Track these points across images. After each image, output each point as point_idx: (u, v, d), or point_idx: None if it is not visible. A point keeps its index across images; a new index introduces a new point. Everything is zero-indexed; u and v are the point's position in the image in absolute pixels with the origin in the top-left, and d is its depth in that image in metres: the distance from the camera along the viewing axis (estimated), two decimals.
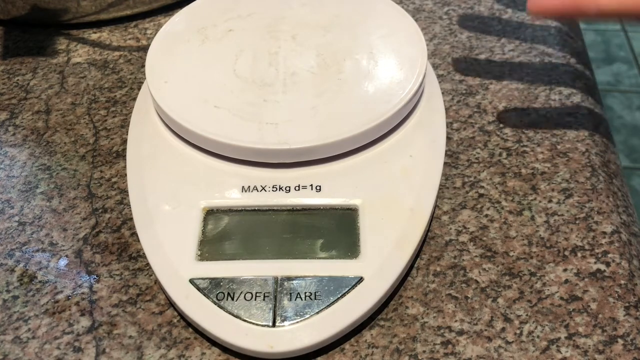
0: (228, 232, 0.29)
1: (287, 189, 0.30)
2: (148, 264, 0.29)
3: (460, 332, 0.27)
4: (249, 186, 0.30)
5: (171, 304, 0.28)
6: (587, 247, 0.30)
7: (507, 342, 0.27)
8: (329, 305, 0.26)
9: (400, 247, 0.28)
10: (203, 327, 0.26)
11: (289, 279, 0.27)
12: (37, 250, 0.31)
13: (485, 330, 0.27)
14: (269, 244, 0.28)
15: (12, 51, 0.44)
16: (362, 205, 0.29)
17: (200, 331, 0.27)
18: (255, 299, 0.27)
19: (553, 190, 0.33)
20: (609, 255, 0.30)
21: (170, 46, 0.35)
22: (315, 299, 0.27)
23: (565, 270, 0.29)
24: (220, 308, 0.26)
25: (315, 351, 0.27)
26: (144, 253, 0.29)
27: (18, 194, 0.34)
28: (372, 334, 0.27)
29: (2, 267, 0.30)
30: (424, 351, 0.27)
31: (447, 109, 0.37)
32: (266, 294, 0.27)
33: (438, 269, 0.30)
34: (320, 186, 0.30)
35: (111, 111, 0.39)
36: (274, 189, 0.30)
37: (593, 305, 0.28)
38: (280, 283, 0.27)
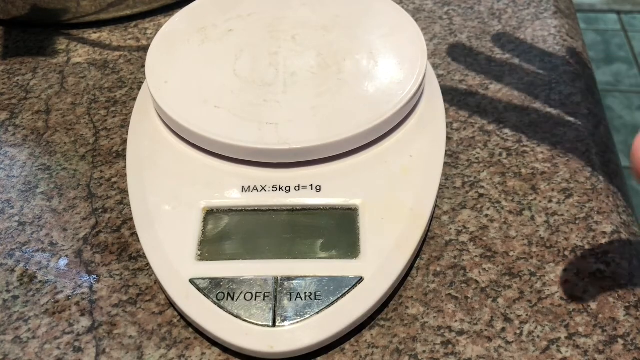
0: (228, 232, 0.29)
1: (287, 189, 0.30)
2: (148, 264, 0.29)
3: (461, 332, 0.27)
4: (249, 186, 0.30)
5: (171, 304, 0.28)
6: (587, 247, 0.30)
7: (507, 342, 0.27)
8: (329, 305, 0.26)
9: (400, 247, 0.28)
10: (203, 327, 0.26)
11: (289, 279, 0.27)
12: (37, 250, 0.31)
13: (486, 330, 0.27)
14: (269, 244, 0.28)
15: (12, 51, 0.44)
16: (362, 205, 0.29)
17: (200, 331, 0.27)
18: (255, 299, 0.27)
19: (553, 190, 0.33)
20: (609, 255, 0.30)
21: (170, 46, 0.35)
22: (315, 299, 0.27)
23: (565, 270, 0.29)
24: (220, 308, 0.26)
25: (315, 351, 0.27)
26: (144, 253, 0.29)
27: (18, 194, 0.34)
28: (372, 334, 0.27)
29: (2, 267, 0.30)
30: (424, 351, 0.27)
31: (447, 109, 0.37)
32: (266, 294, 0.27)
33: (438, 269, 0.30)
34: (320, 186, 0.30)
35: (111, 111, 0.39)
36: (274, 189, 0.30)
37: (593, 305, 0.28)
38: (280, 283, 0.27)
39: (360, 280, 0.27)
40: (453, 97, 0.38)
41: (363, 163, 0.31)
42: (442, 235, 0.31)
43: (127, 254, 0.31)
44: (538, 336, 0.27)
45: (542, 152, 0.35)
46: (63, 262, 0.30)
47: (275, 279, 0.27)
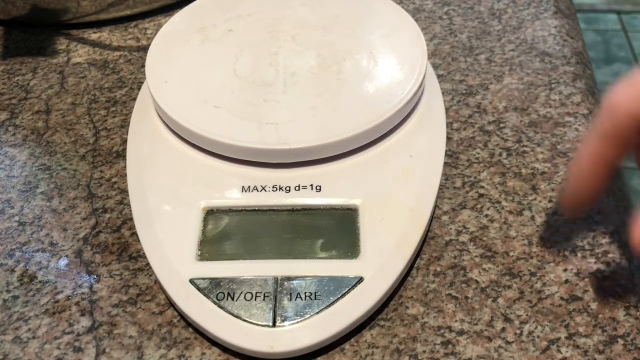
0: (228, 232, 0.29)
1: (287, 189, 0.30)
2: (148, 264, 0.29)
3: (461, 332, 0.27)
4: (249, 186, 0.30)
5: (171, 304, 0.28)
6: (587, 247, 0.30)
7: (507, 342, 0.27)
8: (329, 305, 0.26)
9: (400, 247, 0.28)
10: (203, 327, 0.26)
11: (289, 279, 0.27)
12: (37, 250, 0.31)
13: (486, 330, 0.27)
14: (269, 244, 0.28)
15: (12, 51, 0.44)
16: (362, 205, 0.29)
17: (200, 331, 0.27)
18: (255, 299, 0.27)
19: (553, 190, 0.33)
20: (609, 255, 0.30)
21: (170, 46, 0.35)
22: (315, 299, 0.27)
23: (565, 270, 0.29)
24: (221, 308, 0.26)
25: (315, 351, 0.27)
26: (144, 253, 0.29)
27: (18, 194, 0.34)
28: (372, 334, 0.27)
29: (2, 267, 0.30)
30: (424, 351, 0.27)
31: (447, 109, 0.37)
32: (266, 294, 0.27)
33: (438, 269, 0.30)
34: (320, 186, 0.30)
35: (111, 111, 0.39)
36: (274, 189, 0.30)
37: (593, 305, 0.28)
38: (280, 283, 0.27)
39: (360, 280, 0.27)
40: (453, 97, 0.38)
41: (363, 163, 0.31)
42: (442, 235, 0.31)
43: (127, 254, 0.31)
44: (538, 336, 0.27)
45: (542, 152, 0.35)
46: (63, 262, 0.30)
47: (275, 279, 0.27)
